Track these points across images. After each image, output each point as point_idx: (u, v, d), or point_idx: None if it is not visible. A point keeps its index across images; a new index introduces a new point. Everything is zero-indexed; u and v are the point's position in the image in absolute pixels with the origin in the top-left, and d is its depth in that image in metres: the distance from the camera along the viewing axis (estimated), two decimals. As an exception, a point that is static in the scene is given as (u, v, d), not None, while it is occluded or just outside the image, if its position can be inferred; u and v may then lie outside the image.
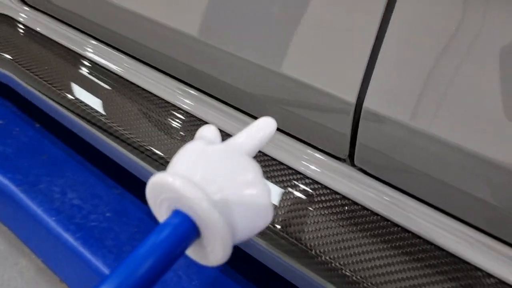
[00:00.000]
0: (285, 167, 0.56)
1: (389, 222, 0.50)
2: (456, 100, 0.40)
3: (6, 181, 0.79)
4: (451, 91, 0.40)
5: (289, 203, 0.53)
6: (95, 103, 0.69)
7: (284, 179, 0.55)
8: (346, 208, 0.52)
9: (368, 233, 0.49)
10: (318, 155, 0.56)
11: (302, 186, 0.54)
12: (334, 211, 0.51)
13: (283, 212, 0.52)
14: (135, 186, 0.81)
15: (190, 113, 0.64)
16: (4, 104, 1.00)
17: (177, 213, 0.36)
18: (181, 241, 0.35)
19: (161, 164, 0.59)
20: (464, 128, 0.40)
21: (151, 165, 0.60)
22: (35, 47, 0.81)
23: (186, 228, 0.35)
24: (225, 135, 0.61)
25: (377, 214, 0.51)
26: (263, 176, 0.40)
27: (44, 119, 0.92)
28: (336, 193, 0.53)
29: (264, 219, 0.39)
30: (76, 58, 0.78)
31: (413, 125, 0.42)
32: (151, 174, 0.62)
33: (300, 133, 0.57)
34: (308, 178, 0.55)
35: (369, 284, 0.46)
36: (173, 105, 0.66)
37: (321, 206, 0.52)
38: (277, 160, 0.57)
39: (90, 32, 0.80)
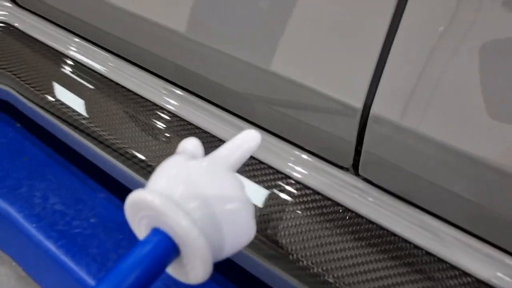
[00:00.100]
0: (283, 176, 0.54)
1: (397, 237, 0.48)
2: (472, 107, 0.37)
3: (-17, 186, 0.76)
4: (468, 97, 0.37)
5: (288, 217, 0.50)
6: (76, 104, 0.65)
7: (272, 184, 0.53)
8: (350, 220, 0.49)
9: (376, 248, 0.47)
10: (320, 164, 0.54)
11: (304, 198, 0.52)
12: (339, 224, 0.49)
13: (282, 225, 0.50)
14: (122, 189, 0.77)
15: (177, 115, 0.62)
16: (-18, 103, 0.96)
17: (156, 231, 0.36)
18: (160, 260, 0.35)
19: (143, 168, 0.57)
20: (481, 137, 0.38)
21: (138, 173, 0.57)
22: (12, 44, 0.77)
23: (165, 247, 0.35)
24: (217, 140, 0.58)
25: (384, 229, 0.49)
26: (245, 191, 0.39)
27: (25, 119, 0.88)
28: (340, 205, 0.51)
29: (246, 236, 0.39)
30: (57, 56, 0.74)
31: (424, 132, 0.40)
32: (136, 180, 0.59)
33: (301, 140, 0.54)
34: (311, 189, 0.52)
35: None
36: (159, 106, 0.63)
37: (325, 218, 0.50)
38: (275, 169, 0.54)
39: (71, 28, 0.76)
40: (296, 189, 0.53)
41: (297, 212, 0.50)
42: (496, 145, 0.37)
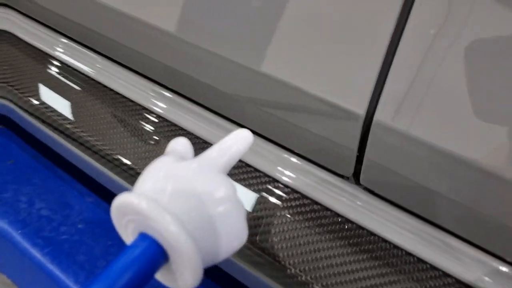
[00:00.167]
0: (281, 185, 0.52)
1: (403, 251, 0.46)
2: (484, 115, 0.36)
3: (-35, 191, 0.73)
4: (479, 105, 0.36)
5: (285, 228, 0.49)
6: (62, 108, 0.63)
7: (262, 188, 0.51)
8: (351, 232, 0.48)
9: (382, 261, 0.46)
10: (320, 173, 0.52)
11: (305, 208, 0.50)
12: (341, 236, 0.48)
13: (278, 237, 0.48)
14: (110, 193, 0.76)
15: (168, 120, 0.60)
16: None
17: (144, 236, 0.34)
18: (147, 267, 0.34)
19: (130, 174, 0.55)
20: (490, 146, 0.36)
21: (127, 180, 0.55)
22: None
23: (153, 253, 0.34)
24: (206, 143, 0.57)
25: (388, 241, 0.47)
26: (237, 193, 0.38)
27: (9, 121, 0.86)
28: (340, 215, 0.49)
29: (238, 240, 0.38)
30: (43, 57, 0.71)
31: (433, 142, 0.38)
32: (122, 185, 0.57)
33: (300, 148, 0.52)
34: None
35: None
36: (147, 109, 0.61)
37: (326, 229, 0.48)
38: (271, 177, 0.52)
39: (56, 27, 0.73)
40: (286, 194, 0.51)
41: (307, 228, 0.49)
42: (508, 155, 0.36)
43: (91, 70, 0.68)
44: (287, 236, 0.48)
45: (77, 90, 0.66)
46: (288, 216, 0.49)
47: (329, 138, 0.46)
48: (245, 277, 0.52)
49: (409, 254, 0.46)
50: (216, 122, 0.58)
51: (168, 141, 0.57)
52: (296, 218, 0.49)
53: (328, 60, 0.42)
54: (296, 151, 0.53)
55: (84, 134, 0.59)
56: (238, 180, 0.52)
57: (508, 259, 0.43)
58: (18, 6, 0.78)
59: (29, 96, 0.65)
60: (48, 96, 0.65)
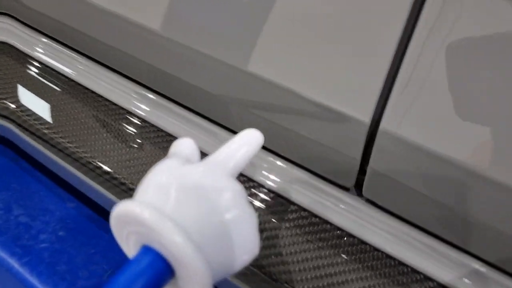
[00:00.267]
0: (284, 201, 0.50)
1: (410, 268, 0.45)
2: (492, 123, 0.34)
3: None
4: (486, 114, 0.34)
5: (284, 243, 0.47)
6: (40, 111, 0.60)
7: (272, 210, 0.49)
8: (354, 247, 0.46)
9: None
10: (320, 184, 0.50)
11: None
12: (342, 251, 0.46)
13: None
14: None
15: (152, 123, 0.57)
16: None
17: (146, 250, 0.32)
18: (151, 284, 0.30)
19: (113, 184, 0.52)
20: (502, 157, 0.35)
21: (110, 191, 0.52)
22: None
23: (157, 268, 0.31)
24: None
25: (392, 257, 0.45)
26: (247, 200, 0.35)
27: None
28: (341, 229, 0.47)
29: (249, 252, 0.34)
30: (21, 57, 0.67)
31: (444, 153, 0.36)
32: (104, 195, 0.55)
33: (299, 157, 0.50)
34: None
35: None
36: (131, 112, 0.58)
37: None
38: (268, 188, 0.50)
39: (35, 25, 0.70)
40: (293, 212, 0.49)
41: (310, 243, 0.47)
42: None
43: (71, 71, 0.65)
44: (284, 252, 0.45)
45: (56, 92, 0.63)
46: (287, 229, 0.48)
47: (331, 146, 0.44)
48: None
49: (415, 271, 0.44)
50: (203, 126, 0.56)
51: (153, 146, 0.55)
52: (294, 232, 0.47)
53: (331, 65, 0.40)
54: (294, 160, 0.51)
55: (64, 140, 0.56)
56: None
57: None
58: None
59: (4, 99, 0.62)
60: (25, 98, 0.62)
